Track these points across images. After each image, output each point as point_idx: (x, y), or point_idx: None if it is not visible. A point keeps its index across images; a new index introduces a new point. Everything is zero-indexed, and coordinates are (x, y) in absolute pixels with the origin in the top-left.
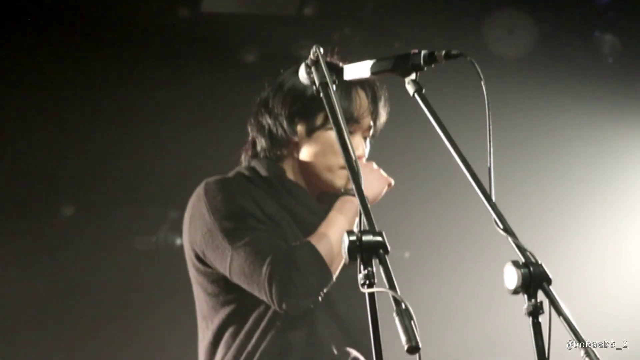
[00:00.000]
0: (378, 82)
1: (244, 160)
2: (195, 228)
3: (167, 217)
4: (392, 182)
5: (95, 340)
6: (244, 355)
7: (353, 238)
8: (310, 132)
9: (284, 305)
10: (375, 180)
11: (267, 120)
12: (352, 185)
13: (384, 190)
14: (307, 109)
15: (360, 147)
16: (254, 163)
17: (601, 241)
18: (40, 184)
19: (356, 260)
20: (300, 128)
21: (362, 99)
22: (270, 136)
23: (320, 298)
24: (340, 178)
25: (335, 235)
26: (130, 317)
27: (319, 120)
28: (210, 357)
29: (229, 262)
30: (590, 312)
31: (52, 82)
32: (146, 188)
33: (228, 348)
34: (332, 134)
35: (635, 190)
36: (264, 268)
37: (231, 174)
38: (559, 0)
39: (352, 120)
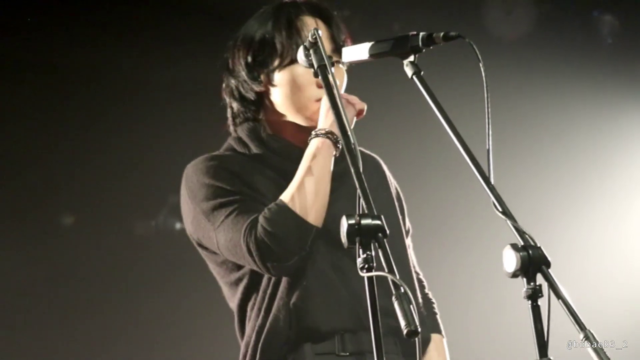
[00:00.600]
0: (328, 7)
1: (232, 131)
2: (186, 216)
3: (166, 202)
4: (364, 107)
5: (95, 324)
6: (256, 328)
7: (352, 222)
8: (271, 75)
9: (270, 270)
10: None
11: (232, 82)
12: (322, 125)
13: (354, 119)
14: (261, 54)
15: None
16: (238, 131)
17: (601, 229)
18: (40, 169)
19: (355, 244)
20: (263, 77)
21: (309, 25)
22: (240, 97)
23: (304, 252)
24: (318, 112)
25: (307, 184)
26: (131, 301)
27: (276, 60)
28: (242, 338)
29: (216, 243)
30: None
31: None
32: (145, 172)
33: (249, 322)
34: (292, 70)
35: (635, 170)
36: (241, 240)
37: (222, 148)
38: None
39: None
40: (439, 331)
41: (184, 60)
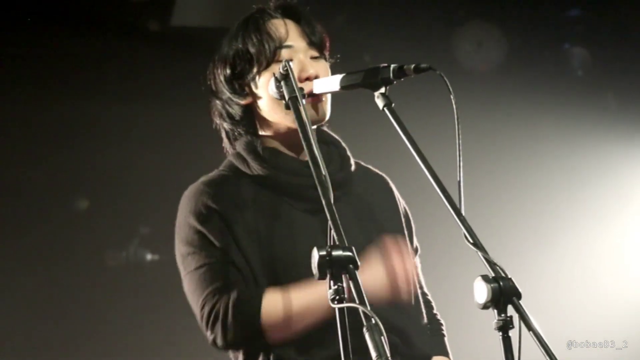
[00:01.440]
0: (295, 5)
1: (230, 148)
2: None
3: (137, 232)
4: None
5: (67, 356)
6: None
7: (323, 253)
8: (253, 84)
9: (211, 343)
10: None
11: (218, 104)
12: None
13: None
14: (238, 65)
15: (311, 68)
16: (236, 146)
17: (573, 257)
18: (11, 197)
19: (326, 276)
20: (247, 88)
21: (277, 25)
22: (229, 115)
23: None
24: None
25: (297, 314)
26: (101, 333)
27: (254, 67)
28: None
29: (184, 286)
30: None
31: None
32: (116, 202)
33: None
34: (271, 71)
35: (604, 197)
36: (198, 304)
37: (222, 165)
38: (528, 13)
39: (284, 47)
40: (445, 353)
41: (160, 94)
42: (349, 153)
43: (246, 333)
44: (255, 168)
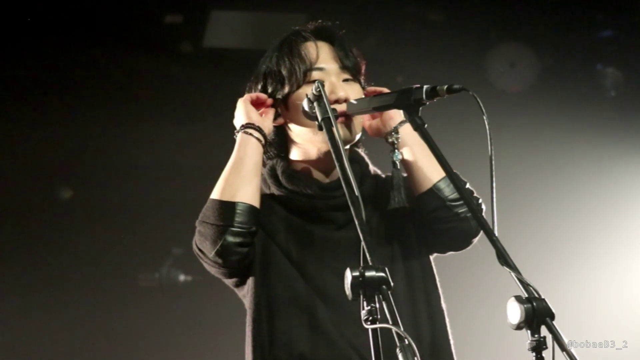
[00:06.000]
0: (335, 29)
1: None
2: None
3: (170, 254)
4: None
5: None
6: None
7: (356, 274)
8: (282, 104)
9: (205, 254)
10: None
11: None
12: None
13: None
14: (270, 86)
15: (341, 90)
16: (263, 170)
17: (605, 279)
18: (40, 221)
19: (359, 296)
20: (278, 109)
21: (309, 48)
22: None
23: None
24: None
25: (224, 172)
26: (135, 354)
27: (285, 88)
28: None
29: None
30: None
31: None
32: (148, 224)
33: None
34: (300, 94)
35: (637, 219)
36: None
37: None
38: (560, 34)
39: (315, 70)
40: None
41: (192, 115)
42: (370, 169)
43: (207, 209)
44: (275, 192)
